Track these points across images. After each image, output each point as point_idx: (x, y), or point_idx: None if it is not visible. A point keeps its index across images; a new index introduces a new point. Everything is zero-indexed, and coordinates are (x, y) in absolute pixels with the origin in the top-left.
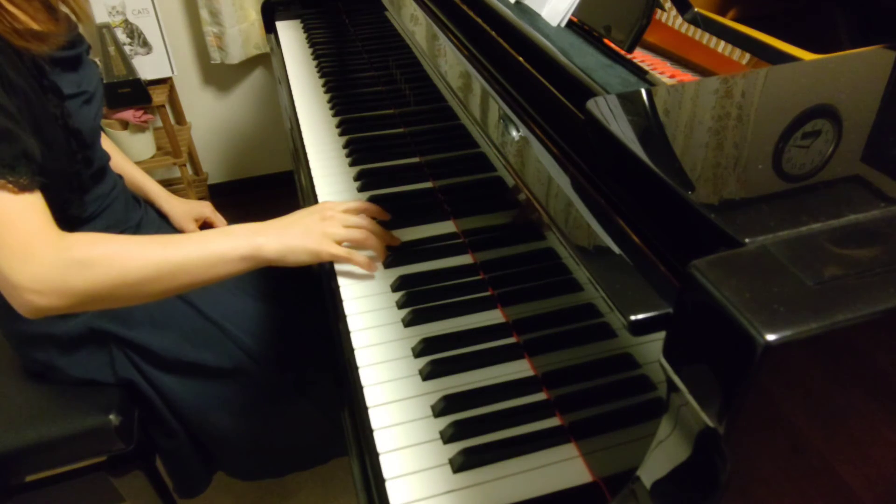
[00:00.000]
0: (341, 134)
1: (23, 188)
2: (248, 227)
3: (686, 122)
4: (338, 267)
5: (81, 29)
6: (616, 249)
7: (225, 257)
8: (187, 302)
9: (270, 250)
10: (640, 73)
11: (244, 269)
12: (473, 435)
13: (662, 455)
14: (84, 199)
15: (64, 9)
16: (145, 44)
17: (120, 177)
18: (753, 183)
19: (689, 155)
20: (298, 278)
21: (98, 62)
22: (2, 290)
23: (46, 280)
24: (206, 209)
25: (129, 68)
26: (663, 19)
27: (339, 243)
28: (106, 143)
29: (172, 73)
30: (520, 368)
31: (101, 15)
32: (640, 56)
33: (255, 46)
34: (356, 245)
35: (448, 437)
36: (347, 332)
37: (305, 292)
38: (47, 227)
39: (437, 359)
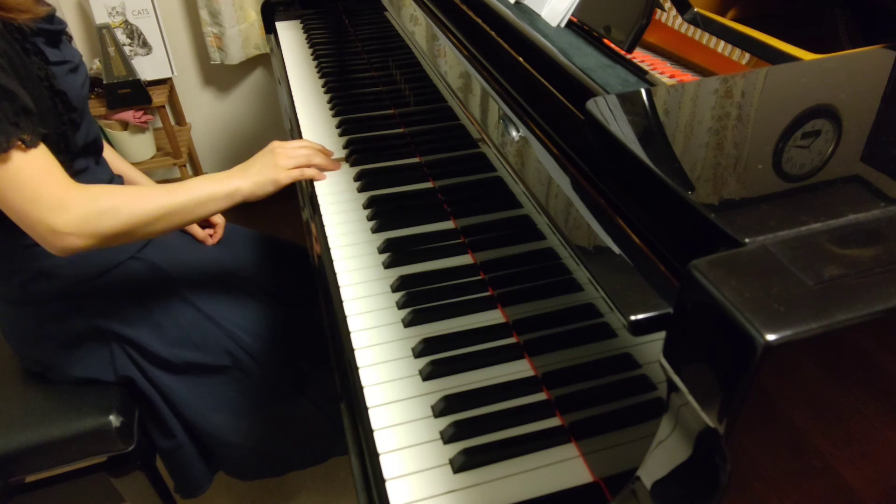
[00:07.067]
0: (341, 134)
1: (29, 144)
2: (223, 173)
3: (686, 122)
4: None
5: (80, 28)
6: (616, 249)
7: (212, 196)
8: (187, 301)
9: (245, 188)
10: (640, 73)
11: (227, 205)
12: (474, 435)
13: (662, 455)
14: (73, 165)
15: None
16: (145, 44)
17: (119, 177)
18: (753, 183)
19: (688, 155)
20: (298, 278)
21: (98, 61)
22: (38, 234)
23: (83, 224)
24: None
25: (129, 69)
26: (663, 19)
27: (292, 169)
28: (105, 150)
29: (172, 73)
30: (520, 368)
31: (101, 15)
32: (640, 56)
33: (255, 47)
34: (305, 165)
35: (448, 437)
36: (347, 333)
37: (305, 292)
38: (68, 178)
39: (437, 359)
